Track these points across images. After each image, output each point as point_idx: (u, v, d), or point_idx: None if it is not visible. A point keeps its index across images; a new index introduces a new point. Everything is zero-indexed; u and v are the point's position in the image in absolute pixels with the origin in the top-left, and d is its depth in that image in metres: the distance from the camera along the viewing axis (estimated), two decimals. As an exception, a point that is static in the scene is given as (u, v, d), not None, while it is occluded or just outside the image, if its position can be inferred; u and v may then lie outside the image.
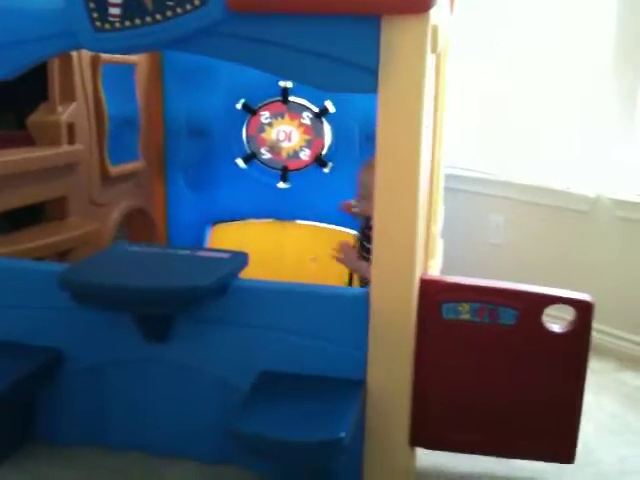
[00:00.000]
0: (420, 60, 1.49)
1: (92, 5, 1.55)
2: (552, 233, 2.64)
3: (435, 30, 1.55)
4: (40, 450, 1.78)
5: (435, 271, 2.01)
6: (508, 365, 1.61)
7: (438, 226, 2.12)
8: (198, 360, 1.70)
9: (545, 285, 1.64)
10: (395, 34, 1.47)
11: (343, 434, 1.39)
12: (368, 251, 1.91)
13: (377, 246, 1.56)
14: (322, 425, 1.43)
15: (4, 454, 1.74)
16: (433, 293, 1.60)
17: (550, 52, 2.60)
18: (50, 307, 1.72)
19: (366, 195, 1.89)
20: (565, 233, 2.60)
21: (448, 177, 2.48)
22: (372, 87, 1.52)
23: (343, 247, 1.88)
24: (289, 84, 2.47)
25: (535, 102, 2.67)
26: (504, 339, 1.60)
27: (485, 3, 2.76)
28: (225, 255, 1.74)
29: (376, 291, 1.57)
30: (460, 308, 1.59)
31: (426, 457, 1.77)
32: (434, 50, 1.58)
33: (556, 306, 1.60)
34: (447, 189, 2.46)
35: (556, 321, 1.64)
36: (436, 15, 1.54)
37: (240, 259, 1.74)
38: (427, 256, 1.79)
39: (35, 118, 2.04)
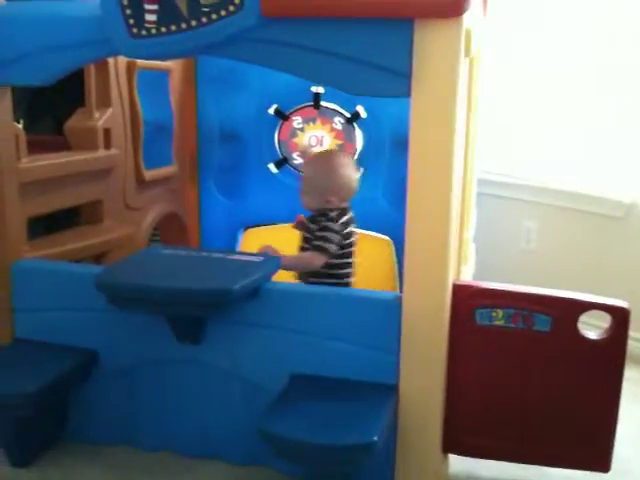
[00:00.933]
0: (453, 64, 1.48)
1: (129, 12, 1.58)
2: (586, 239, 2.60)
3: (469, 34, 1.54)
4: (74, 448, 1.82)
5: (468, 277, 2.00)
6: (542, 372, 1.59)
7: (470, 231, 2.10)
8: (229, 362, 1.72)
9: (579, 292, 1.62)
10: (428, 38, 1.47)
11: (375, 438, 1.39)
12: (306, 240, 1.99)
13: (409, 251, 1.56)
14: (354, 428, 1.43)
15: (40, 451, 1.77)
16: (466, 299, 1.59)
17: (582, 53, 2.57)
18: (86, 309, 1.75)
19: (306, 190, 1.97)
20: (600, 239, 2.56)
21: (480, 182, 2.47)
22: (405, 91, 1.52)
23: (266, 251, 1.93)
24: (321, 89, 2.48)
25: (569, 105, 2.64)
26: (539, 346, 1.58)
27: (517, 4, 2.74)
28: (258, 258, 1.75)
29: (408, 296, 1.56)
30: (494, 314, 1.58)
31: (458, 463, 1.76)
32: (467, 54, 1.57)
33: (592, 313, 1.58)
34: (479, 194, 2.44)
35: (592, 328, 1.62)
36: (469, 18, 1.54)
37: (272, 262, 1.75)
38: (460, 262, 1.78)
39: (72, 123, 2.08)
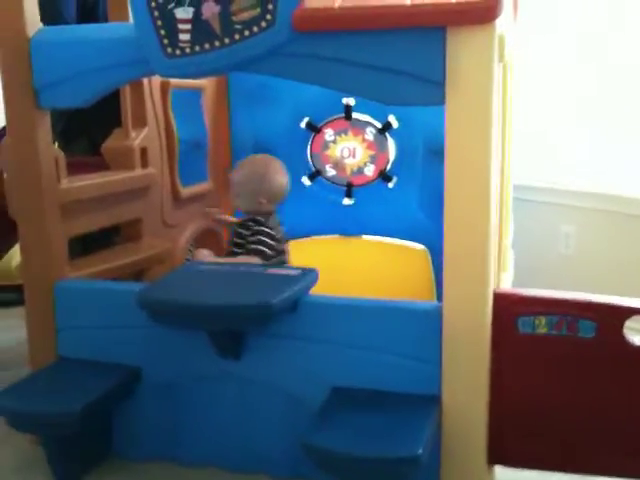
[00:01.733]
0: (487, 70, 1.48)
1: (163, 32, 1.61)
2: (625, 241, 2.55)
3: (502, 40, 1.53)
4: (117, 464, 1.83)
5: (507, 284, 1.97)
6: (588, 379, 1.56)
7: (509, 238, 2.08)
8: (270, 375, 1.72)
9: (620, 296, 1.58)
10: (461, 45, 1.47)
11: (420, 451, 1.37)
12: (237, 245, 2.02)
13: (448, 260, 1.55)
14: (398, 441, 1.42)
15: (86, 468, 1.79)
16: (508, 307, 1.57)
17: (617, 55, 2.54)
18: (128, 326, 1.77)
19: (237, 192, 2.03)
20: (639, 241, 2.51)
21: (516, 187, 2.44)
22: (439, 100, 1.51)
23: (199, 255, 1.98)
24: (352, 101, 2.48)
25: (604, 107, 2.60)
26: (583, 352, 1.55)
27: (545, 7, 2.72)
28: (295, 272, 1.76)
29: (449, 305, 1.55)
30: (537, 322, 1.55)
31: (504, 475, 1.73)
32: (501, 60, 1.57)
33: (637, 318, 1.55)
34: (516, 200, 2.41)
35: (637, 334, 1.58)
36: (502, 24, 1.53)
37: (310, 275, 1.75)
38: (499, 269, 1.76)
39: (109, 144, 2.12)
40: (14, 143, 1.78)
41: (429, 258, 2.43)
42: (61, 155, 1.87)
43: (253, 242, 1.98)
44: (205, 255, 2.00)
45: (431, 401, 1.58)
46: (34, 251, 1.82)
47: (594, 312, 1.53)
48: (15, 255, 2.94)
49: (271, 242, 1.98)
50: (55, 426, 1.66)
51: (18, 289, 2.96)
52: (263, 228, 1.99)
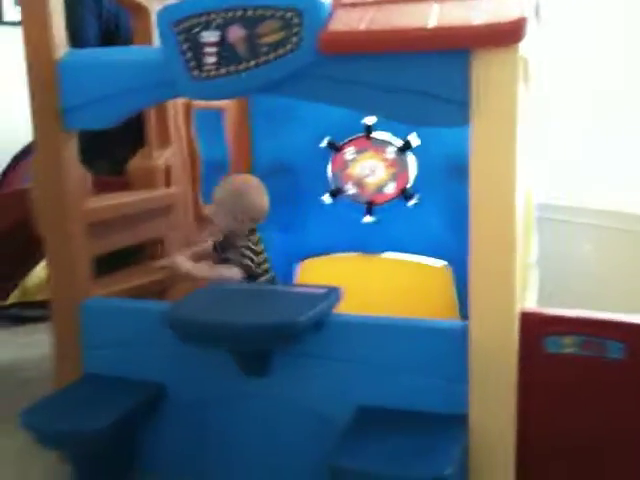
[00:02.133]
0: (512, 92, 1.48)
1: (189, 55, 1.64)
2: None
3: (526, 61, 1.54)
4: (143, 481, 1.84)
5: (531, 303, 1.97)
6: (617, 401, 1.54)
7: (533, 256, 2.08)
8: (296, 394, 1.72)
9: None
10: (486, 67, 1.48)
11: (449, 470, 1.36)
12: (222, 261, 2.05)
13: (474, 279, 1.55)
14: (426, 461, 1.41)
15: (111, 485, 1.80)
16: (535, 326, 1.56)
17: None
18: (154, 344, 1.79)
19: (217, 210, 2.06)
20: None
21: (539, 206, 2.43)
22: (463, 120, 1.52)
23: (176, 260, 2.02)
24: (372, 120, 2.50)
25: (625, 124, 2.60)
26: (613, 374, 1.53)
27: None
28: (320, 290, 1.76)
29: (475, 324, 1.55)
30: (564, 341, 1.54)
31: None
32: (526, 79, 1.57)
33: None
34: (538, 218, 2.41)
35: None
36: (527, 43, 1.54)
37: (334, 294, 1.75)
38: (524, 287, 1.76)
39: (134, 163, 2.15)
40: (42, 163, 1.81)
41: (451, 275, 2.43)
42: (87, 175, 1.89)
43: (236, 255, 2.01)
44: (182, 260, 2.02)
45: (458, 420, 1.57)
46: (60, 269, 1.84)
47: (623, 332, 1.52)
48: (33, 273, 2.98)
49: (253, 257, 2.02)
50: (82, 443, 1.67)
51: (39, 305, 3.02)
52: (245, 242, 2.03)
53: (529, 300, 1.94)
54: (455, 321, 1.82)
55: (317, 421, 1.71)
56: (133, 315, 1.83)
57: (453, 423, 1.56)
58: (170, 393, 1.80)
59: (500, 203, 1.51)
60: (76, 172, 1.84)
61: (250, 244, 2.04)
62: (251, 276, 2.02)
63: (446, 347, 1.58)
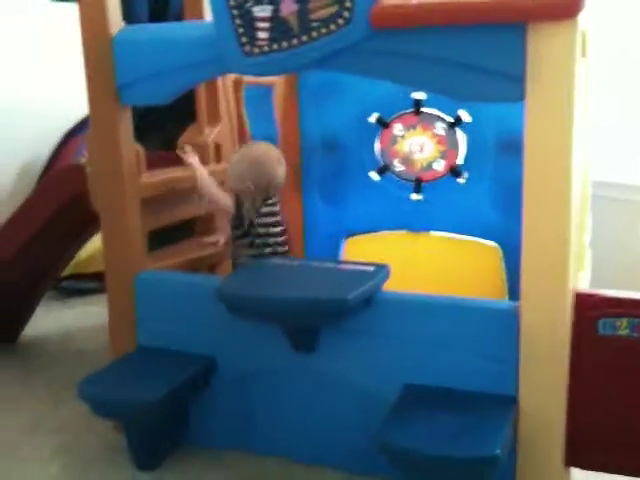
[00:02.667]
0: (570, 67, 1.45)
1: (241, 30, 1.63)
2: None
3: (584, 34, 1.50)
4: (193, 451, 1.89)
5: (585, 284, 1.93)
6: (671, 384, 1.52)
7: (587, 236, 2.03)
8: (343, 370, 1.74)
9: None
10: (543, 41, 1.44)
11: (498, 451, 1.36)
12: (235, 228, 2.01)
13: (527, 259, 1.53)
14: (476, 441, 1.41)
15: (164, 454, 1.85)
16: (588, 308, 1.53)
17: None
18: (205, 317, 1.82)
19: (229, 174, 2.03)
20: None
21: (594, 184, 2.37)
22: (518, 96, 1.49)
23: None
24: (422, 95, 2.46)
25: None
26: (667, 356, 1.50)
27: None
28: (369, 268, 1.76)
29: (527, 305, 1.53)
30: (618, 323, 1.51)
31: (581, 477, 1.70)
32: (584, 54, 1.53)
33: None
34: (594, 197, 2.35)
35: None
36: (584, 18, 1.49)
37: (383, 271, 1.75)
38: (577, 268, 1.72)
39: (185, 139, 2.17)
40: (97, 139, 1.85)
41: (501, 255, 2.39)
42: (141, 150, 1.92)
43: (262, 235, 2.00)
44: (201, 170, 2.03)
45: (507, 401, 1.56)
46: (115, 243, 1.89)
47: (680, 315, 1.48)
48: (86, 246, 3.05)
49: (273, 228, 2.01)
50: (137, 413, 1.73)
51: (94, 277, 3.10)
52: (262, 220, 2.01)
53: (582, 281, 1.90)
54: (506, 301, 1.80)
55: (363, 397, 1.72)
56: (185, 289, 1.86)
57: (502, 404, 1.56)
58: (220, 366, 1.84)
59: (556, 182, 1.48)
60: (131, 147, 1.87)
61: (265, 219, 2.02)
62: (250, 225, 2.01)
63: (496, 327, 1.57)
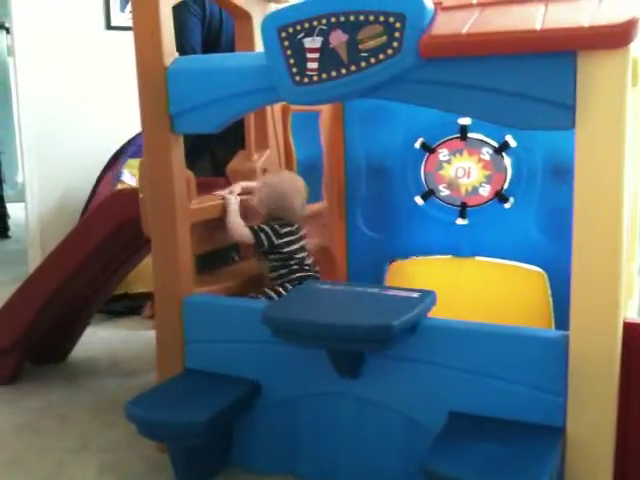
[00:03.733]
0: (621, 95, 1.44)
1: (292, 61, 1.67)
2: None
3: (636, 63, 1.49)
4: (236, 474, 1.90)
5: (633, 312, 1.90)
6: None
7: (637, 263, 2.00)
8: (387, 396, 1.73)
9: None
10: (593, 70, 1.44)
11: (547, 482, 1.34)
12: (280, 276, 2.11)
13: (577, 287, 1.51)
14: (522, 471, 1.40)
15: (206, 476, 1.87)
16: (639, 337, 1.51)
17: None
18: (251, 341, 1.84)
19: (257, 194, 2.14)
20: None
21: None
22: (568, 124, 1.49)
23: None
24: (467, 121, 2.47)
25: None
26: None
27: None
28: (414, 294, 1.77)
29: (576, 334, 1.51)
30: (669, 354, 1.48)
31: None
32: (635, 83, 1.52)
33: None
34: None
35: None
36: (636, 45, 1.49)
37: (429, 298, 1.75)
38: (626, 296, 1.70)
39: (233, 165, 2.22)
40: (151, 166, 1.90)
41: (547, 282, 2.37)
42: (192, 176, 1.97)
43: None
44: (234, 203, 2.08)
45: (555, 432, 1.54)
46: (165, 267, 1.93)
47: None
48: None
49: (269, 232, 2.08)
50: (182, 435, 1.74)
51: (139, 298, 3.17)
52: (265, 224, 2.10)
53: (631, 310, 1.87)
54: (555, 330, 1.78)
55: (408, 424, 1.71)
56: (232, 312, 1.89)
57: (549, 435, 1.53)
58: (265, 390, 1.85)
59: (606, 209, 1.47)
60: (182, 174, 1.91)
61: (275, 225, 2.09)
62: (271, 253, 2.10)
63: (545, 357, 1.55)
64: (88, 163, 3.15)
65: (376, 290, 1.85)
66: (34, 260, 3.51)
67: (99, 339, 3.04)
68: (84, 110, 3.36)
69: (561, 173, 2.32)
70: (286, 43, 1.66)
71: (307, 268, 2.14)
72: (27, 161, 3.62)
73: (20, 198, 4.11)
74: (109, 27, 3.62)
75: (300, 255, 2.14)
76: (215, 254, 2.23)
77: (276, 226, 2.10)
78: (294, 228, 2.15)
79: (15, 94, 3.73)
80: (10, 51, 3.82)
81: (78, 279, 2.42)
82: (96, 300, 2.75)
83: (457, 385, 1.65)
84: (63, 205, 3.62)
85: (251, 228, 2.08)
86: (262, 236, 2.08)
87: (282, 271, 2.11)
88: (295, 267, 2.11)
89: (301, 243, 2.17)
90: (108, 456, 2.03)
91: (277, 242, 2.09)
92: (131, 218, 2.06)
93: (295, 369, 1.82)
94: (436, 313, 1.77)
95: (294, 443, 1.87)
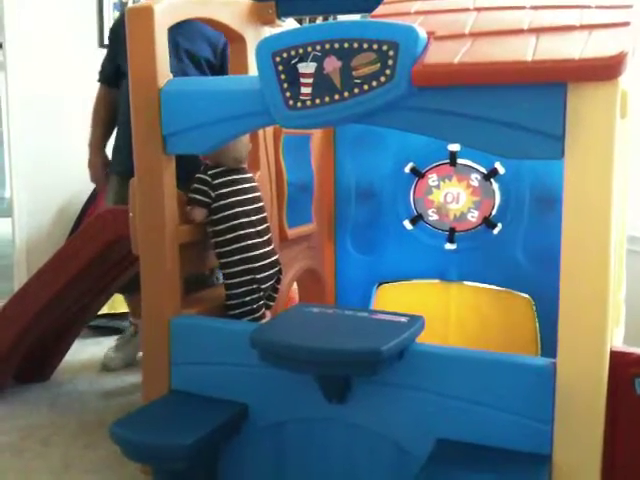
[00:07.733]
0: (609, 127, 1.46)
1: (285, 85, 1.69)
2: None
3: (625, 96, 1.52)
4: (222, 500, 1.88)
5: (619, 341, 1.91)
6: None
7: (623, 292, 2.02)
8: (375, 422, 1.72)
9: None
10: (583, 101, 1.46)
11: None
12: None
13: (565, 314, 1.52)
14: (510, 500, 1.39)
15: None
16: (626, 366, 1.52)
17: None
18: (239, 364, 1.83)
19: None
20: None
21: (628, 239, 2.36)
22: (558, 154, 1.51)
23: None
24: (457, 147, 2.50)
25: None
26: None
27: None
28: (403, 318, 1.77)
29: (564, 362, 1.52)
30: (657, 383, 1.50)
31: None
32: (623, 115, 1.55)
33: None
34: (627, 252, 2.33)
35: None
36: (625, 77, 1.51)
37: (417, 323, 1.76)
38: (613, 325, 1.71)
39: (224, 186, 2.21)
40: (141, 186, 1.90)
41: (533, 307, 2.39)
42: (182, 197, 1.97)
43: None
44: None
45: (541, 460, 1.54)
46: (154, 287, 1.92)
47: None
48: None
49: (204, 189, 1.99)
50: (166, 458, 1.71)
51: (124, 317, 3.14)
52: (199, 174, 2.01)
53: (617, 337, 1.89)
54: (542, 358, 1.78)
55: (395, 451, 1.71)
56: (220, 334, 1.88)
57: (535, 462, 1.53)
58: (252, 414, 1.84)
59: (595, 238, 1.48)
60: (173, 194, 1.91)
61: (206, 176, 2.00)
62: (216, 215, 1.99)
63: (532, 384, 1.55)
64: (79, 179, 3.14)
65: (365, 314, 1.85)
66: (19, 277, 3.48)
67: (84, 358, 3.01)
68: (75, 126, 3.35)
69: (549, 201, 2.35)
70: (280, 68, 1.67)
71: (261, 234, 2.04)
72: (15, 176, 3.60)
73: (6, 213, 4.08)
74: (102, 45, 3.63)
75: (249, 212, 2.02)
76: (198, 276, 2.23)
77: (205, 177, 1.99)
78: (238, 177, 2.03)
79: (5, 109, 3.72)
80: (1, 65, 3.80)
81: (64, 299, 2.41)
82: (82, 319, 2.73)
83: (444, 412, 1.64)
84: (52, 221, 3.60)
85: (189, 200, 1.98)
86: (198, 197, 1.98)
87: (229, 235, 1.99)
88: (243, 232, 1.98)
89: (249, 195, 2.04)
90: (91, 477, 2.00)
91: (214, 193, 1.98)
92: (121, 237, 2.05)
93: (283, 393, 1.80)
94: (422, 338, 1.78)
95: (281, 468, 1.85)
